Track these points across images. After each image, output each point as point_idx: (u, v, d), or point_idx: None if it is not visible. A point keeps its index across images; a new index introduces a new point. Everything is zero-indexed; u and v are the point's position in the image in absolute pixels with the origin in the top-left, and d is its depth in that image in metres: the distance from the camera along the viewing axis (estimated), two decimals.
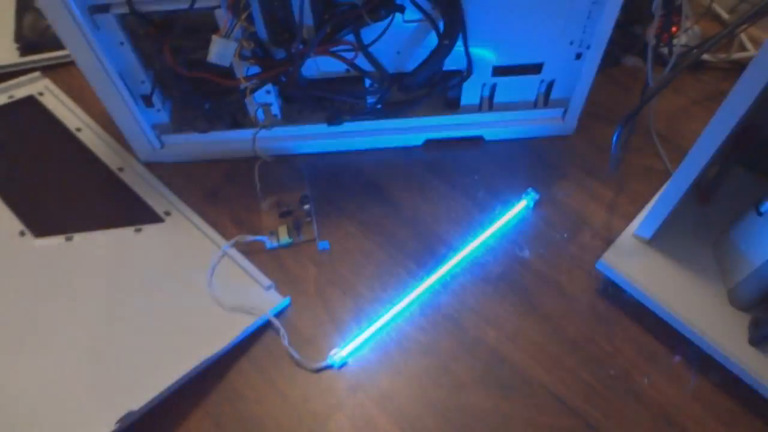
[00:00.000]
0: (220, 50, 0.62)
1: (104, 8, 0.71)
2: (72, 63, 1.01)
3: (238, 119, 0.88)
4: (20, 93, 0.98)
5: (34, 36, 1.02)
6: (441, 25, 0.74)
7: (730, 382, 0.70)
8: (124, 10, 0.70)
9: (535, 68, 0.84)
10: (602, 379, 0.73)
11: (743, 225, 0.69)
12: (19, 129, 0.93)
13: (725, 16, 1.06)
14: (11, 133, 0.92)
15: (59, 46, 1.02)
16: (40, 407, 0.66)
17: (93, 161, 0.89)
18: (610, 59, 0.99)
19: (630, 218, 0.80)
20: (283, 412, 0.71)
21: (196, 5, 0.66)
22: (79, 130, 0.93)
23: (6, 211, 0.83)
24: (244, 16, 0.61)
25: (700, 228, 0.77)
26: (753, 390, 0.68)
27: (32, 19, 1.04)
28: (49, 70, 1.02)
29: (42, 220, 0.82)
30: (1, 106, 0.95)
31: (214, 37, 0.62)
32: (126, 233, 0.82)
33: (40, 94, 0.98)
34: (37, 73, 1.00)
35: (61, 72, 1.02)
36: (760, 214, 0.65)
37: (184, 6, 0.68)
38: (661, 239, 0.75)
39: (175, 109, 0.87)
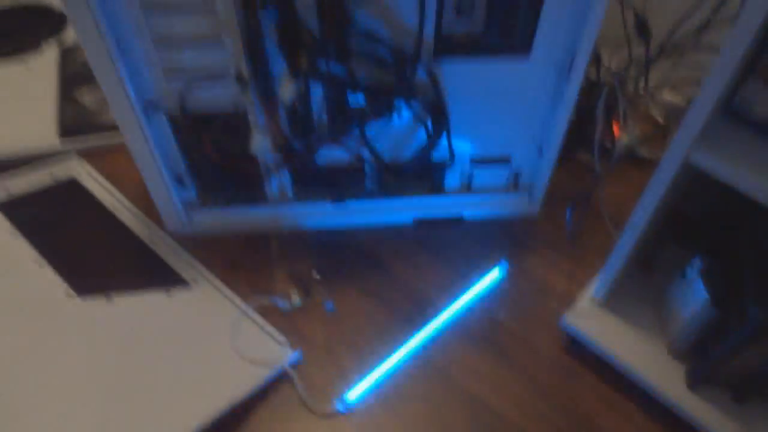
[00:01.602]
0: (260, 144, 0.78)
1: (157, 107, 0.87)
2: (108, 149, 1.17)
3: (257, 198, 1.03)
4: (61, 174, 1.12)
5: (74, 122, 1.18)
6: (429, 124, 0.91)
7: (675, 421, 0.84)
8: (174, 109, 0.86)
9: (505, 159, 1.02)
10: (569, 421, 0.86)
11: (674, 288, 0.85)
12: (61, 206, 1.06)
13: (660, 120, 1.27)
14: (55, 210, 1.06)
15: (96, 132, 1.17)
16: None
17: (127, 233, 1.03)
18: (568, 155, 1.18)
19: (586, 285, 0.95)
20: None
21: (234, 106, 0.83)
22: (113, 206, 1.07)
23: (54, 276, 0.95)
24: (278, 118, 0.77)
25: (644, 292, 0.92)
26: (694, 429, 0.81)
27: (73, 108, 1.20)
28: (87, 155, 1.16)
29: (85, 284, 0.94)
30: (44, 186, 1.09)
31: (255, 134, 0.78)
32: (158, 295, 0.94)
33: (79, 174, 1.12)
34: (75, 156, 1.15)
35: (97, 155, 1.16)
36: (685, 279, 0.81)
37: (227, 110, 0.85)
38: (612, 302, 0.90)
39: (202, 188, 1.02)
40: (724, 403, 0.81)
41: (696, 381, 0.82)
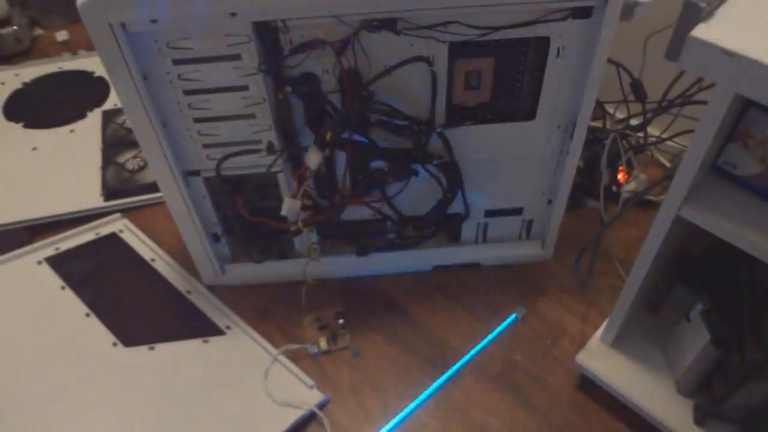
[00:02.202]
0: (290, 207, 0.86)
1: (195, 173, 0.96)
2: (146, 206, 1.26)
3: (286, 252, 1.11)
4: (104, 231, 1.21)
5: (116, 185, 1.28)
6: (445, 182, 0.99)
7: None
8: (211, 174, 0.95)
9: (517, 211, 1.09)
10: None
11: (678, 330, 0.90)
12: (104, 260, 1.16)
13: (667, 164, 1.34)
14: (99, 264, 1.15)
15: (137, 192, 1.27)
16: None
17: (166, 285, 1.11)
18: (577, 201, 1.25)
19: (598, 326, 1.00)
20: None
21: (265, 170, 0.92)
22: (153, 260, 1.15)
23: (101, 326, 1.03)
24: (306, 183, 0.85)
25: (652, 333, 0.98)
26: None
27: (115, 171, 1.30)
28: (127, 212, 1.26)
29: (129, 334, 1.02)
30: (90, 242, 1.18)
31: (287, 199, 0.86)
32: (196, 343, 1.02)
33: (120, 231, 1.21)
34: (117, 215, 1.24)
35: (137, 214, 1.26)
36: (688, 320, 0.87)
37: (257, 171, 0.94)
38: (622, 342, 0.96)
39: (236, 243, 1.10)
40: None
41: (703, 417, 0.86)
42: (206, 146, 0.92)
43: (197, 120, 0.88)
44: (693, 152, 0.66)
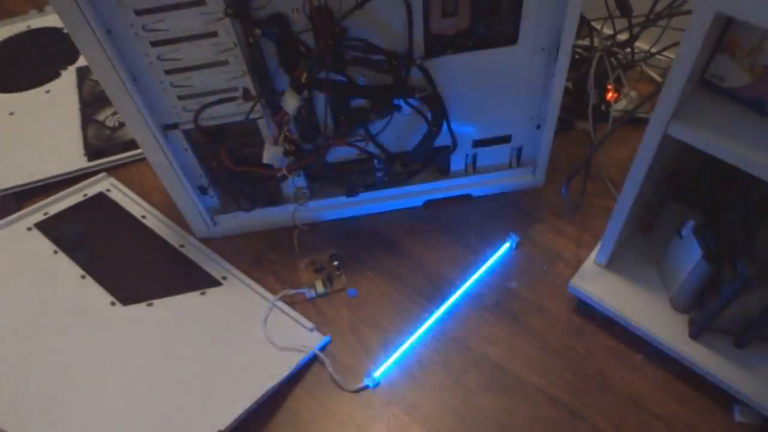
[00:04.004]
0: (272, 153, 0.84)
1: (174, 126, 0.94)
2: (132, 163, 1.25)
3: (275, 199, 1.09)
4: (92, 191, 1.20)
5: (98, 143, 1.25)
6: (429, 115, 0.96)
7: (681, 370, 0.90)
8: (189, 126, 0.93)
9: (506, 139, 1.07)
10: (582, 378, 0.93)
11: (672, 246, 0.90)
12: (95, 221, 1.15)
13: (659, 79, 1.30)
14: (89, 225, 1.14)
15: (121, 150, 1.25)
16: None
17: (159, 241, 1.11)
18: (567, 124, 1.23)
19: (592, 248, 1.00)
20: (333, 426, 0.90)
21: (244, 118, 0.89)
22: (144, 217, 1.15)
23: (97, 287, 1.03)
24: (286, 127, 0.83)
25: (645, 251, 0.98)
26: (699, 375, 0.88)
27: (96, 130, 1.28)
28: (113, 170, 1.24)
29: (127, 292, 1.03)
30: (77, 204, 1.17)
31: (267, 145, 0.84)
32: (194, 296, 1.03)
33: (108, 190, 1.20)
34: (103, 174, 1.22)
35: (123, 171, 1.24)
36: (681, 237, 0.87)
37: (236, 120, 0.92)
38: (616, 263, 0.96)
39: (224, 194, 1.09)
40: (726, 349, 0.87)
41: (698, 330, 0.87)
42: (181, 98, 0.89)
43: (169, 72, 0.86)
44: (679, 66, 0.64)
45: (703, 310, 0.86)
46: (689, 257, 0.84)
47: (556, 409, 0.90)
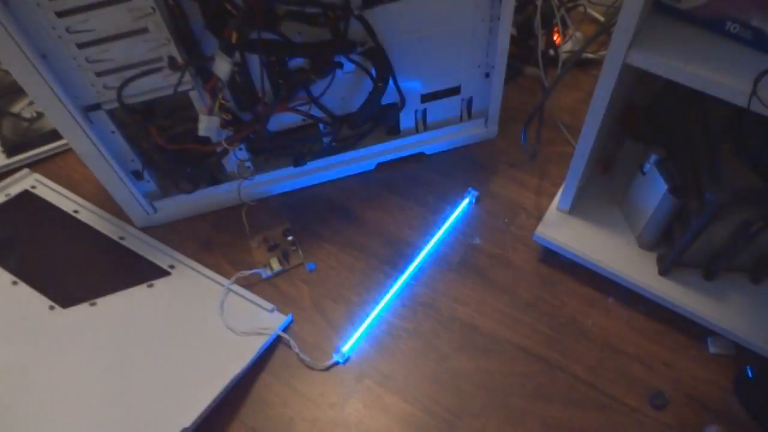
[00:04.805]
0: (207, 125, 0.77)
1: (96, 107, 0.85)
2: (57, 154, 1.15)
3: (217, 176, 1.02)
4: (15, 190, 1.09)
5: (16, 138, 1.15)
6: (374, 71, 0.90)
7: (653, 308, 0.89)
8: (114, 105, 0.85)
9: (454, 91, 1.02)
10: (555, 327, 0.90)
11: (634, 184, 0.88)
12: (22, 221, 1.05)
13: (601, 18, 1.28)
14: (16, 227, 1.04)
15: (42, 142, 1.14)
16: None
17: (96, 235, 1.02)
18: (515, 71, 1.19)
19: (553, 196, 0.97)
20: (306, 408, 0.85)
21: (173, 91, 0.82)
22: (76, 212, 1.06)
23: (33, 292, 0.95)
24: (220, 95, 0.76)
25: (607, 193, 0.96)
26: (671, 311, 0.86)
27: (12, 123, 1.16)
28: (36, 165, 1.14)
29: (66, 294, 0.94)
30: (1, 205, 1.07)
31: (201, 116, 0.77)
32: (141, 290, 0.95)
33: (33, 187, 1.10)
34: (25, 170, 1.12)
35: (48, 164, 1.14)
36: (644, 173, 0.84)
37: (165, 93, 0.84)
38: (578, 208, 0.93)
39: (162, 177, 1.01)
40: (695, 283, 0.86)
41: (667, 266, 0.86)
42: (100, 74, 0.81)
43: (81, 45, 0.77)
44: None
45: (671, 246, 0.85)
46: (654, 192, 0.82)
47: (533, 363, 0.88)
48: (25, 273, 0.97)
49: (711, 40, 0.65)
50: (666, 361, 0.87)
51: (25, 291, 0.95)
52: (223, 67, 0.73)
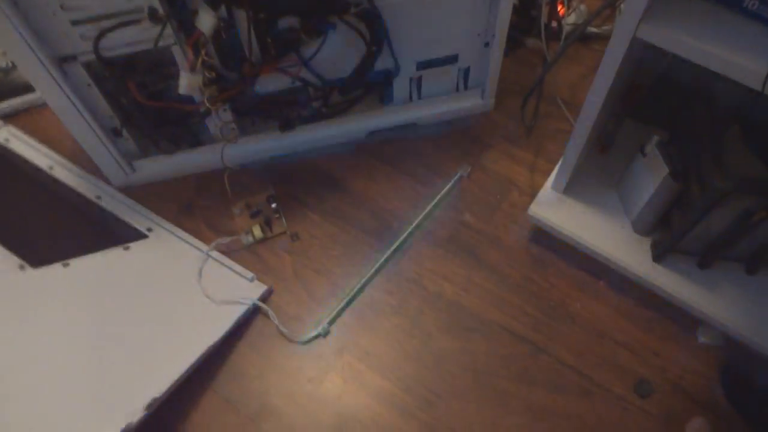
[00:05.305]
0: (189, 83, 0.73)
1: (71, 58, 0.80)
2: (33, 107, 1.10)
3: (199, 138, 0.98)
4: None
5: None
6: (368, 34, 0.86)
7: (644, 295, 0.87)
8: (90, 57, 0.80)
9: (452, 59, 0.97)
10: (543, 310, 0.88)
11: (634, 166, 0.84)
12: None
13: None
14: None
15: (17, 93, 1.09)
16: (62, 410, 0.76)
17: (71, 194, 0.98)
18: (515, 43, 1.14)
19: (548, 174, 0.94)
20: (283, 382, 0.83)
21: (153, 45, 0.77)
22: (51, 167, 1.01)
23: (2, 250, 0.91)
24: (204, 51, 0.71)
25: (604, 174, 0.92)
26: (662, 298, 0.84)
27: None
28: (10, 117, 1.09)
29: (37, 253, 0.90)
30: None
31: (182, 73, 0.73)
32: (116, 252, 0.92)
33: (6, 140, 1.05)
34: (0, 122, 1.07)
35: (23, 117, 1.09)
36: (644, 155, 0.81)
37: (145, 48, 0.79)
38: (573, 188, 0.90)
39: (142, 136, 0.97)
40: (689, 271, 0.83)
41: (661, 253, 0.83)
42: (75, 23, 0.76)
43: None
44: None
45: (668, 232, 0.82)
46: (654, 175, 0.79)
47: (519, 344, 0.85)
48: None
49: (727, 17, 0.61)
50: (654, 349, 0.85)
51: None
52: (207, 21, 0.69)
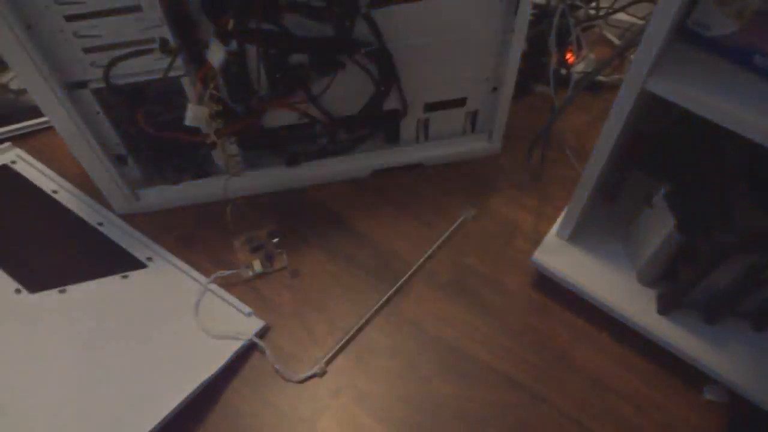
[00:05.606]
0: (196, 114, 0.73)
1: (81, 85, 0.81)
2: (41, 130, 1.11)
3: (204, 169, 0.98)
4: None
5: (1, 109, 1.10)
6: (377, 74, 0.86)
7: (648, 348, 0.84)
8: (100, 85, 0.80)
9: (460, 102, 0.98)
10: (544, 358, 0.86)
11: (640, 217, 0.84)
12: None
13: (616, 41, 1.24)
14: None
15: (27, 116, 1.10)
16: None
17: (73, 219, 0.98)
18: (524, 88, 1.15)
19: (553, 221, 0.93)
20: (277, 421, 0.81)
21: (163, 75, 0.77)
22: (55, 192, 1.01)
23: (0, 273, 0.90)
24: (212, 85, 0.72)
25: (610, 223, 0.92)
26: (667, 352, 0.82)
27: None
28: (19, 139, 1.09)
29: (35, 277, 0.90)
30: None
31: (190, 105, 0.73)
32: (114, 281, 0.91)
33: (13, 162, 1.05)
34: (7, 144, 1.07)
35: (31, 140, 1.10)
36: (650, 206, 0.80)
37: (155, 77, 0.79)
38: (579, 236, 0.89)
39: (147, 165, 0.97)
40: (695, 325, 0.82)
41: (667, 306, 0.82)
42: (88, 50, 0.76)
43: (70, 18, 0.72)
44: (661, 11, 0.56)
45: (672, 284, 0.81)
46: (660, 227, 0.78)
47: (517, 393, 0.83)
48: None
49: (736, 72, 0.61)
50: (657, 403, 0.82)
51: None
52: (216, 54, 0.69)
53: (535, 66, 1.13)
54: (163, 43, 0.74)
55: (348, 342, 0.87)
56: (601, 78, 1.15)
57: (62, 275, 0.91)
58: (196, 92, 0.73)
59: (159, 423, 0.75)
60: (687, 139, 0.84)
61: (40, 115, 1.08)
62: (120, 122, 0.88)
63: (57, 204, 1.00)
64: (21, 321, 0.86)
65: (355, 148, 0.99)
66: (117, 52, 0.76)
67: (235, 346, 0.84)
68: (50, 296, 0.88)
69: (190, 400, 0.79)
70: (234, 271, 0.92)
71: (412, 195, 1.03)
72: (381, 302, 0.90)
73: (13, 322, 0.85)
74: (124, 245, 0.95)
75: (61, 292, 0.89)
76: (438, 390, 0.83)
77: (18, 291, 0.88)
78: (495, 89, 0.96)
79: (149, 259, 0.94)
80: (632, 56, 1.20)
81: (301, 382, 0.84)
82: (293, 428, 0.80)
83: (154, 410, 0.76)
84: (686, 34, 0.63)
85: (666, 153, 0.89)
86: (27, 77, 0.75)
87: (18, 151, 1.07)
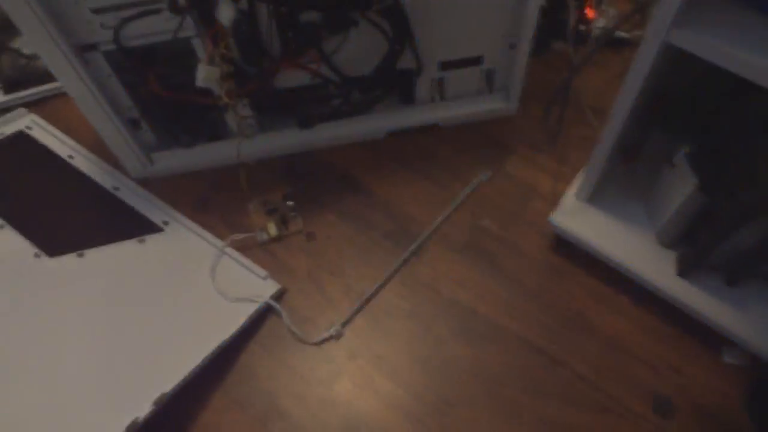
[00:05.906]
0: (207, 75, 0.72)
1: (92, 47, 0.80)
2: (56, 96, 1.10)
3: (218, 132, 0.97)
4: (9, 129, 1.05)
5: (15, 74, 1.10)
6: (391, 32, 0.84)
7: (667, 310, 0.83)
8: (111, 47, 0.79)
9: (476, 61, 0.95)
10: (560, 320, 0.85)
11: (661, 177, 0.82)
12: (14, 163, 1.01)
13: None
14: (7, 168, 1.00)
15: (41, 81, 1.09)
16: (70, 400, 0.76)
17: (89, 184, 0.98)
18: (542, 46, 1.11)
19: (571, 182, 0.92)
20: (293, 383, 0.81)
21: (173, 36, 0.76)
22: (71, 157, 1.01)
23: (18, 237, 0.91)
24: (223, 44, 0.70)
25: (629, 184, 0.90)
26: (686, 315, 0.81)
27: (11, 59, 1.11)
28: (33, 104, 1.09)
29: (53, 242, 0.90)
30: None
31: (200, 65, 0.72)
32: (131, 244, 0.91)
33: (29, 128, 1.05)
34: (22, 109, 1.07)
35: (46, 105, 1.10)
36: (672, 165, 0.78)
37: (165, 38, 0.78)
38: (598, 197, 0.88)
39: (160, 128, 0.96)
40: (716, 288, 0.80)
41: (687, 268, 0.80)
42: (96, 11, 0.75)
43: None
44: None
45: (694, 246, 0.79)
46: (681, 187, 0.76)
47: (534, 355, 0.83)
48: (13, 217, 0.93)
49: (762, 23, 0.58)
50: (675, 366, 0.82)
51: (10, 235, 0.91)
52: (226, 12, 0.68)
53: (553, 22, 1.09)
54: (172, 2, 0.72)
55: (364, 305, 0.87)
56: (621, 34, 1.11)
57: (80, 240, 0.91)
58: (209, 50, 0.72)
59: (178, 384, 0.76)
60: (709, 98, 0.81)
61: (53, 80, 1.08)
62: (132, 85, 0.87)
63: (73, 169, 1.00)
64: (41, 285, 0.87)
65: (369, 109, 0.98)
66: (126, 13, 0.75)
67: (251, 308, 0.85)
68: (69, 260, 0.89)
69: (208, 361, 0.80)
70: (249, 235, 0.92)
71: (427, 157, 1.02)
72: (396, 265, 0.90)
73: (34, 286, 0.86)
74: (140, 209, 0.95)
75: (80, 256, 0.90)
76: (454, 352, 0.83)
77: (37, 255, 0.89)
78: (512, 46, 0.93)
79: (165, 223, 0.94)
80: (654, 10, 1.16)
81: (318, 344, 0.84)
82: (310, 390, 0.81)
83: (173, 371, 0.77)
84: None
85: (688, 112, 0.86)
86: (37, 41, 0.74)
87: (32, 116, 1.07)
